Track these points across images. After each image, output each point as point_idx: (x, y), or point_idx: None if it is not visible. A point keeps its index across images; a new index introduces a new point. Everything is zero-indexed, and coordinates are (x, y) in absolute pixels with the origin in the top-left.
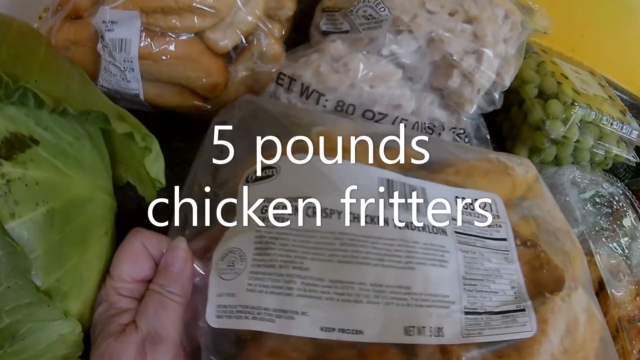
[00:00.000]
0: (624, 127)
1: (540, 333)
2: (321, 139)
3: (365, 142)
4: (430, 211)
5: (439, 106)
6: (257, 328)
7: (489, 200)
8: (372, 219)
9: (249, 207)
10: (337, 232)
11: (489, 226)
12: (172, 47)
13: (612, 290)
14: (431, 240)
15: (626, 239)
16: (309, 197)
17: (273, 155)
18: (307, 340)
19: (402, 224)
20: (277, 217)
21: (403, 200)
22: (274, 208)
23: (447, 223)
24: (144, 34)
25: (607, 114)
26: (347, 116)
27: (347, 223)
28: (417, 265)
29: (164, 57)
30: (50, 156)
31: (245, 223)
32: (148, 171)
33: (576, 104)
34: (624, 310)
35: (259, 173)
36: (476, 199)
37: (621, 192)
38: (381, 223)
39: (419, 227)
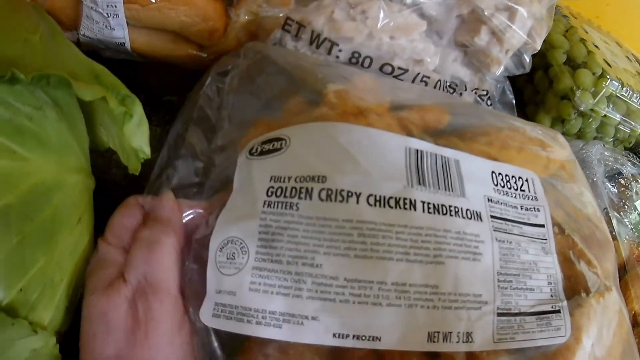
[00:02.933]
0: None
1: (574, 341)
2: (338, 99)
3: (389, 103)
4: (465, 189)
5: (462, 64)
6: (261, 334)
7: (526, 177)
8: (397, 202)
9: (252, 187)
10: (356, 221)
11: (527, 209)
12: None
13: (632, 277)
14: (464, 227)
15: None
16: (324, 176)
17: (282, 121)
18: (315, 355)
19: (433, 208)
20: (285, 203)
21: (435, 177)
22: (281, 189)
23: (483, 205)
24: None
25: (638, 91)
26: (363, 70)
27: (368, 208)
28: (447, 260)
29: (152, 0)
30: (4, 137)
31: (247, 206)
32: (129, 140)
33: (608, 76)
34: None
35: (265, 145)
36: (513, 176)
37: None
38: (408, 207)
39: (451, 211)
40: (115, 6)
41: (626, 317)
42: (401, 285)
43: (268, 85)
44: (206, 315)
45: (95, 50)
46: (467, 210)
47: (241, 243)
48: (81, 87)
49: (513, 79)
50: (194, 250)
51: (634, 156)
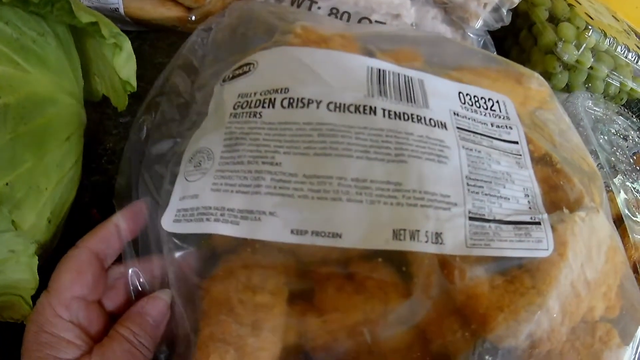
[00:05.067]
0: None
1: (558, 257)
2: (304, 31)
3: (355, 36)
4: (429, 102)
5: (442, 21)
6: (218, 231)
7: (497, 99)
8: (357, 108)
9: (222, 106)
10: (315, 123)
11: (498, 126)
12: None
13: (630, 225)
14: (428, 132)
15: None
16: (287, 88)
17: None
18: (290, 255)
19: (394, 115)
20: (250, 112)
21: (397, 91)
22: (247, 102)
23: (448, 117)
24: None
25: (623, 43)
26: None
27: (328, 113)
28: (410, 159)
29: None
30: (10, 50)
31: (216, 122)
32: (118, 72)
33: (590, 27)
34: None
35: (236, 71)
36: (482, 97)
37: (637, 127)
38: (368, 112)
39: (413, 118)
40: None
41: (621, 248)
42: (362, 182)
43: (248, 32)
44: (167, 223)
45: None
46: (430, 119)
47: (208, 151)
48: (80, 8)
49: (500, 42)
50: None
51: (626, 110)
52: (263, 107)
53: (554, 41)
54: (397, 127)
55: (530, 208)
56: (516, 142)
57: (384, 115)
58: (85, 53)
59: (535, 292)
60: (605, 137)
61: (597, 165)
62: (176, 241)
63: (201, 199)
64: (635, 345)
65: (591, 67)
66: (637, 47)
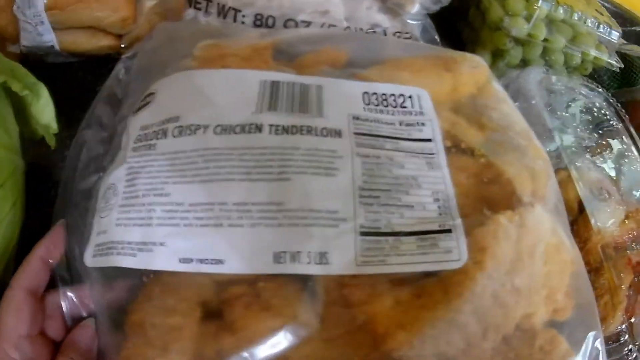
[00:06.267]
0: (601, 26)
1: (474, 265)
2: (202, 52)
3: (269, 45)
4: (324, 110)
5: (379, 11)
6: (120, 264)
7: (409, 94)
8: (242, 128)
9: (127, 140)
10: (202, 149)
11: (408, 125)
12: None
13: (594, 210)
14: (318, 144)
15: (613, 156)
16: (178, 116)
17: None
18: (205, 277)
19: (281, 129)
20: (146, 145)
21: (289, 103)
22: (145, 135)
23: (345, 123)
24: None
25: (580, 10)
26: (267, 29)
27: (214, 137)
28: (294, 176)
29: (68, 4)
30: None
31: (122, 156)
32: (37, 119)
33: None
34: (610, 237)
35: (142, 102)
36: (392, 94)
37: (603, 99)
38: (253, 131)
39: (302, 130)
40: (40, 15)
41: (566, 242)
42: (243, 205)
43: (166, 57)
44: (88, 258)
45: (40, 59)
46: (322, 128)
47: (114, 187)
48: None
49: (454, 23)
50: None
51: (592, 82)
52: (157, 138)
53: (502, 16)
54: (282, 143)
55: (440, 214)
56: (429, 140)
57: (270, 132)
58: (18, 98)
59: (444, 306)
60: (565, 113)
61: (555, 148)
62: (96, 275)
63: (108, 234)
64: (585, 354)
65: (546, 40)
66: (599, 12)
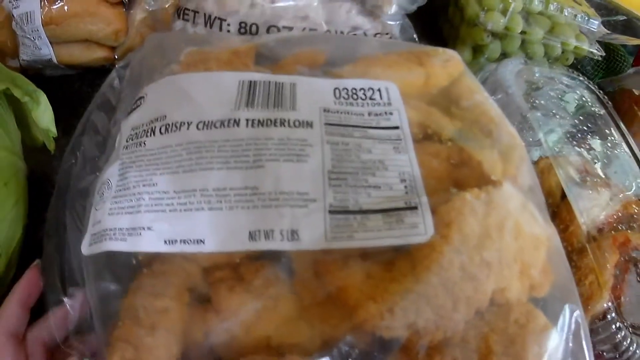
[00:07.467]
0: (579, 16)
1: (440, 239)
2: (188, 57)
3: (250, 49)
4: (297, 105)
5: (358, 13)
6: (111, 248)
7: (378, 87)
8: (222, 123)
9: (120, 140)
10: (185, 143)
11: (376, 114)
12: (67, 7)
13: (575, 194)
14: (289, 134)
15: (596, 141)
16: (164, 115)
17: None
18: (192, 263)
19: (257, 123)
20: (137, 142)
21: (265, 99)
22: (136, 134)
23: (316, 115)
24: (44, 2)
25: (556, 1)
26: (251, 36)
27: (197, 132)
28: (267, 163)
29: (64, 19)
30: None
31: (116, 155)
32: (38, 123)
33: None
34: (593, 219)
35: (133, 105)
36: (362, 88)
37: (585, 87)
38: (232, 125)
39: (276, 122)
40: (38, 30)
41: (539, 219)
42: (221, 190)
43: (156, 65)
44: (85, 247)
45: (39, 72)
46: (295, 120)
47: (108, 182)
48: None
49: (434, 21)
50: None
51: (573, 71)
52: (146, 136)
53: (478, 12)
54: (257, 135)
55: (406, 193)
56: (396, 127)
57: (247, 125)
58: (20, 107)
59: (412, 278)
60: (543, 102)
61: (537, 138)
62: (92, 267)
63: (102, 224)
64: (564, 327)
65: (523, 32)
66: (577, 2)
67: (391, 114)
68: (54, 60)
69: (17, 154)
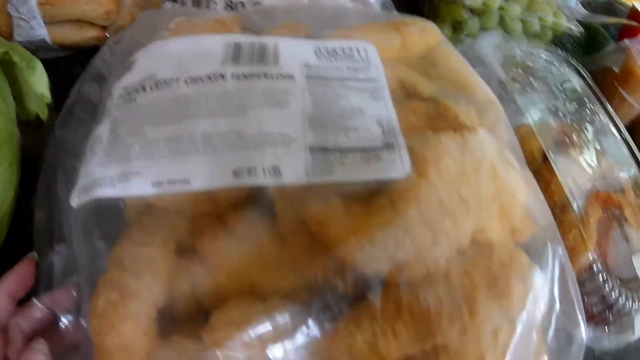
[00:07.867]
0: None
1: (418, 175)
2: (177, 25)
3: (236, 19)
4: (279, 60)
5: None
6: (101, 194)
7: (357, 47)
8: (209, 77)
9: (112, 100)
10: (175, 96)
11: (354, 69)
12: None
13: (556, 155)
14: (272, 85)
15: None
16: (154, 74)
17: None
18: (179, 214)
19: (242, 76)
20: (128, 99)
21: (250, 57)
22: (127, 93)
23: (297, 69)
24: None
25: None
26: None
27: (185, 86)
28: (250, 110)
29: None
30: None
31: (107, 114)
32: (34, 88)
33: None
34: (574, 177)
35: (124, 70)
36: (341, 47)
37: (563, 59)
38: (218, 79)
39: (260, 75)
40: (33, 10)
41: (515, 165)
42: (207, 135)
43: (146, 35)
44: (74, 200)
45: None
46: (278, 74)
47: (100, 137)
48: None
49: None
50: None
51: (552, 45)
52: (137, 93)
53: None
54: (242, 87)
55: (383, 134)
56: (373, 79)
57: (232, 79)
58: (16, 80)
59: (391, 212)
60: (522, 73)
61: (514, 108)
62: (82, 219)
63: (91, 175)
64: (547, 265)
65: (501, 8)
66: None
67: (369, 68)
68: (48, 40)
69: (13, 122)
